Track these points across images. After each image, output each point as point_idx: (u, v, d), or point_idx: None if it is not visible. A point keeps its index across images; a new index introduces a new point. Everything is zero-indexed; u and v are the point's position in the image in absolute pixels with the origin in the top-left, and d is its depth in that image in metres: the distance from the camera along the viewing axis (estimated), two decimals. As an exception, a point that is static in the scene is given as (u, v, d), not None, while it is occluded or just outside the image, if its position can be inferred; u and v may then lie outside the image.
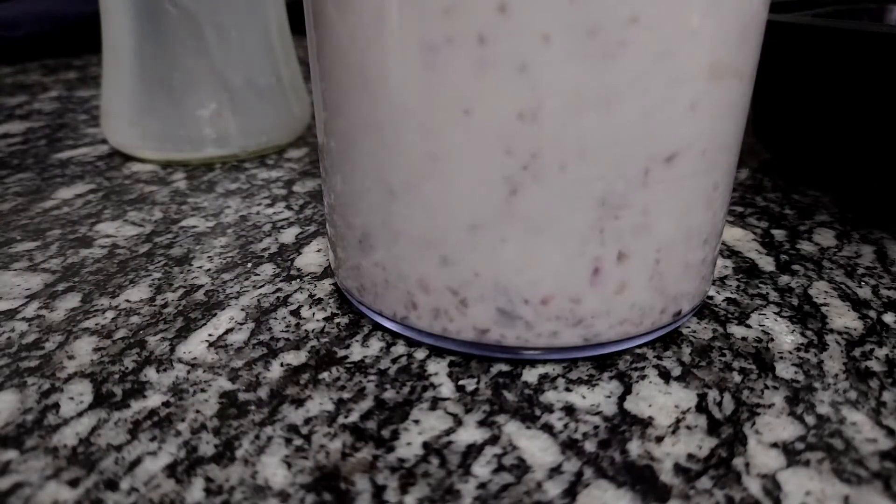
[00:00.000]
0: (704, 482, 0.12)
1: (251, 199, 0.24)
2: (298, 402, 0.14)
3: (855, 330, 0.16)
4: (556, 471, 0.12)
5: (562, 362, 0.15)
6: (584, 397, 0.14)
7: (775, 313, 0.17)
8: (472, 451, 0.12)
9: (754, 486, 0.12)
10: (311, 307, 0.17)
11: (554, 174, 0.12)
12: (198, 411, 0.13)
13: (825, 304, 0.17)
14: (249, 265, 0.19)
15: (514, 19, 0.11)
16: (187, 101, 0.26)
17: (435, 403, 0.14)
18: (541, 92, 0.12)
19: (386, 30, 0.12)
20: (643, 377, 0.14)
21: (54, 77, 0.45)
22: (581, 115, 0.12)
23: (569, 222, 0.13)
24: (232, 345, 0.16)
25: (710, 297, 0.17)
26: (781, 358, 0.15)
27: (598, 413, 0.13)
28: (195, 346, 0.16)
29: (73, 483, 0.12)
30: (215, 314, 0.17)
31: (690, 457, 0.12)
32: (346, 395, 0.14)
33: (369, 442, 0.13)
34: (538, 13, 0.11)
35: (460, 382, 0.14)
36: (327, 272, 0.19)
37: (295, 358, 0.15)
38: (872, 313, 0.17)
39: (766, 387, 0.14)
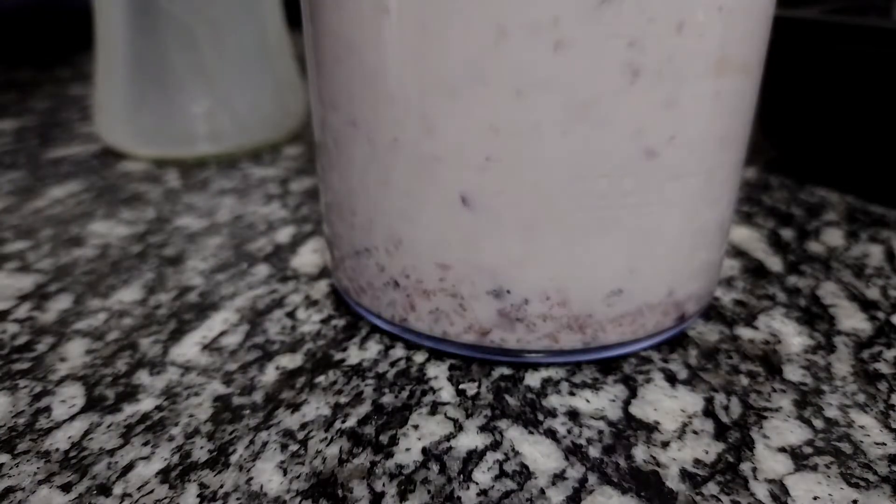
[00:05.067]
0: (711, 488, 0.12)
1: (246, 198, 0.24)
2: (294, 407, 0.14)
3: (863, 331, 0.16)
4: (559, 477, 0.12)
5: (565, 366, 0.15)
6: (588, 401, 0.14)
7: (783, 315, 0.17)
8: (473, 456, 0.12)
9: (761, 492, 0.11)
10: (307, 309, 0.17)
11: (550, 175, 0.12)
12: (191, 415, 0.13)
13: (833, 306, 0.17)
14: (244, 266, 0.19)
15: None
16: (181, 97, 0.26)
17: (435, 408, 0.13)
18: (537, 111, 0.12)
19: (384, 24, 0.12)
20: (649, 381, 0.14)
21: (47, 74, 0.45)
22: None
23: (571, 217, 0.13)
24: (226, 347, 0.15)
25: (717, 298, 0.17)
26: (789, 360, 0.15)
27: (602, 418, 0.13)
28: (188, 348, 0.15)
29: (66, 488, 0.12)
30: (209, 316, 0.17)
31: (697, 462, 0.12)
32: (343, 400, 0.14)
33: (367, 447, 0.12)
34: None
35: (461, 386, 0.14)
36: (324, 273, 0.19)
37: (291, 361, 0.15)
38: (881, 314, 0.17)
39: (774, 390, 0.14)
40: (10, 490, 0.12)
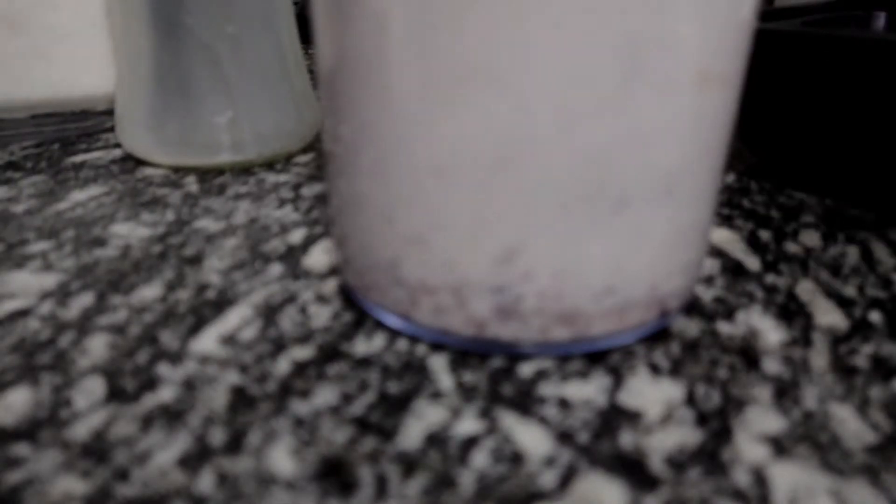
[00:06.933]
0: (693, 473, 0.12)
1: (260, 202, 0.24)
2: (305, 396, 0.14)
3: (840, 328, 0.16)
4: (551, 461, 0.12)
5: (556, 357, 0.15)
6: (577, 391, 0.14)
7: (761, 311, 0.17)
8: (471, 442, 0.12)
9: (742, 478, 0.12)
10: (317, 305, 0.17)
11: (541, 177, 0.13)
12: (208, 405, 0.13)
13: (811, 303, 0.17)
14: (259, 265, 0.19)
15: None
16: (204, 108, 0.26)
17: (435, 396, 0.14)
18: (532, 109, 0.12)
19: (389, 39, 0.12)
20: (634, 372, 0.14)
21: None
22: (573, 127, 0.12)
23: (567, 220, 0.13)
24: (242, 340, 0.16)
25: (698, 296, 0.17)
26: (768, 354, 0.15)
27: (590, 406, 0.13)
28: (206, 342, 0.16)
29: (86, 475, 0.12)
30: (226, 311, 0.17)
31: (679, 449, 0.12)
32: (350, 389, 0.14)
33: (372, 433, 0.13)
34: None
35: (459, 376, 0.14)
36: (333, 272, 0.19)
37: (302, 353, 0.15)
38: (857, 311, 0.17)
39: (753, 382, 0.14)
40: (31, 478, 0.12)
